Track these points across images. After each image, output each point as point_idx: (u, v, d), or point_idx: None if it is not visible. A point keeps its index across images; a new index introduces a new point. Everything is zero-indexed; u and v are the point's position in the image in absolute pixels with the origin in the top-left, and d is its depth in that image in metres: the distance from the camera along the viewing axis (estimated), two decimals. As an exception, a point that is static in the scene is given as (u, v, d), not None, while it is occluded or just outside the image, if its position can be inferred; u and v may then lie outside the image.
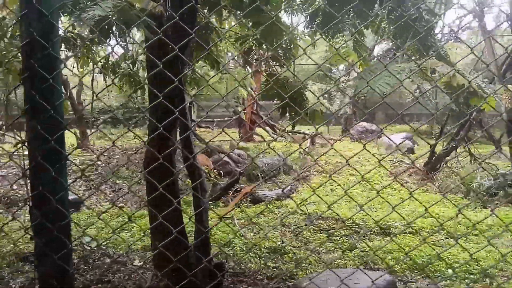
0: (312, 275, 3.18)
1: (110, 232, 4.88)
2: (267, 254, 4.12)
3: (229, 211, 5.54)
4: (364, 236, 4.63)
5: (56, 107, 1.25)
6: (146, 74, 4.67)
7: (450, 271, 3.47)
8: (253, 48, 3.47)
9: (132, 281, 3.48)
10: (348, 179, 7.85)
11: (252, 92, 8.87)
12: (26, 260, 3.91)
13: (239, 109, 10.61)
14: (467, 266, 3.50)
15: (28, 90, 1.23)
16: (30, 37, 1.17)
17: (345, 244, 4.37)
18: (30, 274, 3.69)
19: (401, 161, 8.13)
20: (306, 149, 9.46)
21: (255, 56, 3.43)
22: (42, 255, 1.30)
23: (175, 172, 3.40)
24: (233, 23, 4.88)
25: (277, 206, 6.18)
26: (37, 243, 1.31)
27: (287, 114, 3.28)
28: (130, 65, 4.35)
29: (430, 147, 6.82)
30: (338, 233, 4.81)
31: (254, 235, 4.87)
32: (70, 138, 12.08)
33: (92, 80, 10.07)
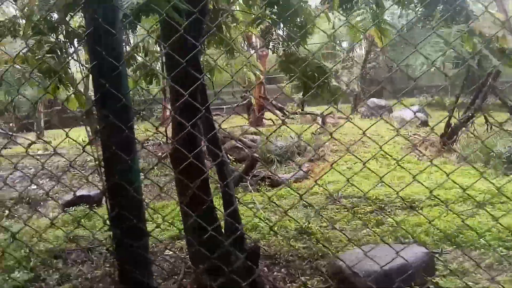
0: (351, 251, 3.18)
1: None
2: (295, 236, 4.13)
3: (310, 188, 5.58)
4: (389, 211, 4.62)
5: (125, 96, 1.22)
6: (160, 62, 4.60)
7: (482, 240, 3.45)
8: (271, 28, 3.40)
9: (166, 270, 3.52)
10: (363, 157, 7.81)
11: (260, 75, 8.78)
12: (59, 257, 3.96)
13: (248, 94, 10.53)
14: (500, 234, 3.48)
15: (96, 79, 1.20)
16: (95, 24, 1.13)
17: (372, 220, 4.36)
18: (64, 270, 3.74)
19: (416, 134, 8.05)
20: (318, 130, 9.40)
21: (272, 37, 3.36)
22: (121, 244, 1.30)
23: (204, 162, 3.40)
24: (239, 6, 4.78)
25: (297, 188, 6.19)
26: (116, 233, 1.30)
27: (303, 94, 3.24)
28: (143, 55, 4.30)
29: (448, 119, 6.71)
30: (363, 210, 4.81)
31: (278, 217, 4.89)
32: (81, 134, 12.12)
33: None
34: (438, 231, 3.74)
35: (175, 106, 2.97)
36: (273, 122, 11.23)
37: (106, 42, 1.18)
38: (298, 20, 3.48)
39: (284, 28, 3.26)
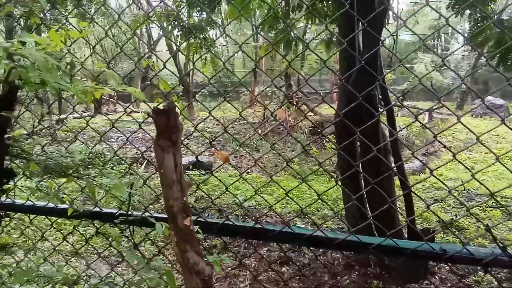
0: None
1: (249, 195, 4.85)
2: (441, 228, 3.73)
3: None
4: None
5: None
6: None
7: None
8: None
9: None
10: (484, 157, 7.04)
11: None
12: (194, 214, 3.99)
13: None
14: None
15: None
16: None
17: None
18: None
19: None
20: (426, 124, 8.69)
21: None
22: None
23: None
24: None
25: (415, 181, 5.72)
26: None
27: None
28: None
29: None
30: (506, 210, 4.24)
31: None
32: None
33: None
34: None
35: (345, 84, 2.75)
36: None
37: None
38: None
39: None
